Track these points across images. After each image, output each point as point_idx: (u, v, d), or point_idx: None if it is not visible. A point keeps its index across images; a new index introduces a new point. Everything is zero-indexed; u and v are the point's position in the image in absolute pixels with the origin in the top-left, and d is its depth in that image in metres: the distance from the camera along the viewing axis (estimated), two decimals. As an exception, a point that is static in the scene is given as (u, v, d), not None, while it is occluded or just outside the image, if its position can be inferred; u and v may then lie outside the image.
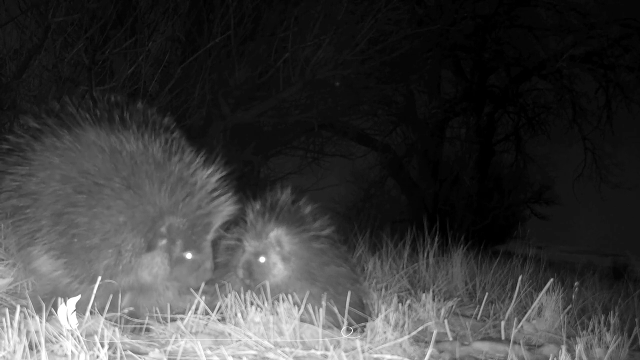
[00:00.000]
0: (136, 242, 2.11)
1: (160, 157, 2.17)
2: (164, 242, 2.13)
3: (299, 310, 2.23)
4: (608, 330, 2.73)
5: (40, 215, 2.14)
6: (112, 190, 2.10)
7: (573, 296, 3.48)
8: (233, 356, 1.96)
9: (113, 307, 2.23)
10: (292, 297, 2.30)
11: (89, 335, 1.82)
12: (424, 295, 3.00)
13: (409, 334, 2.30)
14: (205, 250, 2.19)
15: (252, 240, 2.40)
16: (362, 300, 2.61)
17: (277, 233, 2.40)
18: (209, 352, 1.95)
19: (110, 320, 2.15)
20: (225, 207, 2.22)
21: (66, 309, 1.97)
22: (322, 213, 2.53)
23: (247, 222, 2.43)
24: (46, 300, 2.05)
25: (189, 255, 2.17)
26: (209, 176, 2.20)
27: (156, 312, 2.29)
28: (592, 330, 2.76)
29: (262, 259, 2.39)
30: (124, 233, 2.10)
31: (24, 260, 2.33)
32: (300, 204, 2.49)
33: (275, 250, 2.40)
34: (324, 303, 2.30)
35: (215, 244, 2.37)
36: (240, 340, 2.08)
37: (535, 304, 3.02)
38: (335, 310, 2.34)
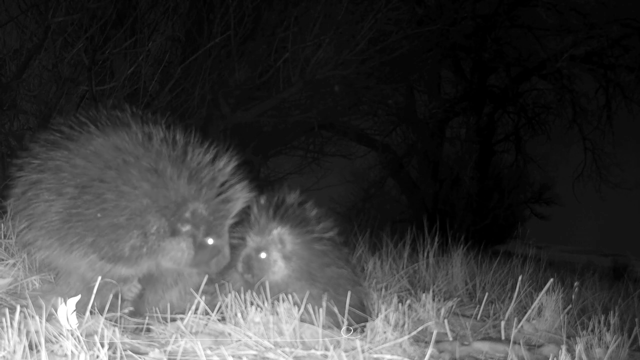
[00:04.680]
0: (160, 226, 2.13)
1: (182, 147, 2.21)
2: (188, 227, 2.16)
3: (299, 310, 2.23)
4: (608, 330, 2.73)
5: (63, 185, 2.15)
6: (139, 171, 2.12)
7: (573, 296, 3.48)
8: (233, 356, 1.96)
9: (113, 307, 2.23)
10: (292, 297, 2.30)
11: (89, 335, 1.82)
12: (424, 295, 3.00)
13: (409, 334, 2.30)
14: (224, 236, 2.24)
15: (254, 235, 2.41)
16: (362, 302, 2.61)
17: (280, 231, 2.40)
18: (209, 352, 1.95)
19: (110, 320, 2.16)
20: (243, 194, 2.26)
21: (66, 309, 1.97)
22: (326, 216, 2.53)
23: (251, 217, 2.43)
24: (46, 300, 2.06)
25: (210, 241, 2.20)
26: (224, 165, 2.25)
27: (156, 312, 2.29)
28: (592, 330, 2.76)
29: (262, 255, 2.40)
30: (148, 215, 2.12)
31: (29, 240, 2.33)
32: (306, 206, 2.49)
33: (277, 247, 2.40)
34: (324, 303, 2.30)
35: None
36: (240, 340, 2.08)
37: (535, 304, 3.02)
38: (336, 310, 2.34)
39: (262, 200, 2.45)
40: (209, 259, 2.22)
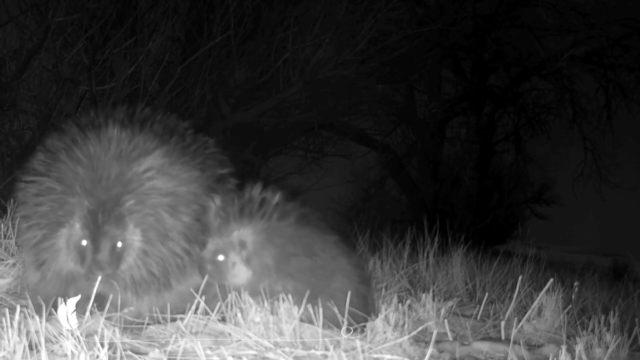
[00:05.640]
0: (53, 222, 2.10)
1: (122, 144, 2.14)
2: (70, 222, 2.08)
3: (299, 310, 2.23)
4: (608, 330, 2.73)
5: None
6: (68, 165, 2.12)
7: (573, 296, 3.48)
8: (233, 356, 1.96)
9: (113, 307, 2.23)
10: (262, 293, 2.28)
11: (89, 335, 1.82)
12: (424, 295, 3.00)
13: (409, 334, 2.30)
14: (100, 240, 2.07)
15: (212, 238, 2.33)
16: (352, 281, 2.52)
17: (240, 232, 2.34)
18: (209, 352, 1.95)
19: (110, 320, 2.16)
20: (133, 201, 2.09)
21: (66, 309, 1.97)
22: (285, 199, 2.43)
23: (208, 220, 2.34)
24: (46, 300, 2.05)
25: (84, 243, 2.08)
26: (133, 163, 2.12)
27: (156, 312, 2.29)
28: (592, 330, 2.75)
29: (220, 257, 2.33)
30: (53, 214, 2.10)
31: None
32: (267, 196, 2.41)
33: (236, 250, 2.34)
34: (320, 302, 2.29)
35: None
36: (240, 340, 2.08)
37: (535, 304, 3.02)
38: (335, 310, 2.34)
39: (218, 202, 2.34)
40: (81, 261, 2.10)
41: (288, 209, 2.42)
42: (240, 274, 2.36)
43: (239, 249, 2.34)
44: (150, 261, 2.17)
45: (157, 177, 2.14)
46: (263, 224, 2.36)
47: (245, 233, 2.34)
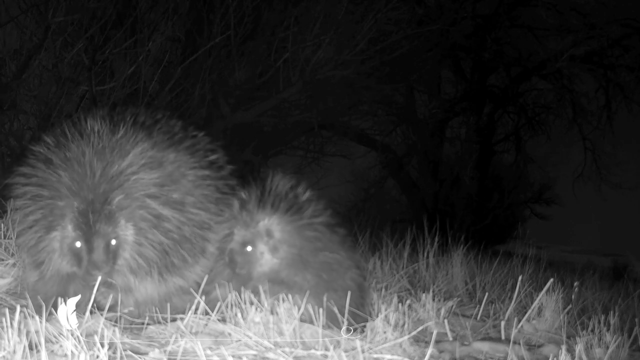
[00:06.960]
0: (46, 227, 2.10)
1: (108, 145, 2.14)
2: (61, 225, 2.08)
3: (299, 310, 2.23)
4: (608, 330, 2.73)
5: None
6: (55, 166, 2.12)
7: (573, 296, 3.48)
8: (233, 356, 1.96)
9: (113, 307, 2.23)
10: (283, 282, 2.31)
11: (89, 335, 1.82)
12: (424, 295, 3.00)
13: (409, 334, 2.30)
14: (93, 240, 2.06)
15: (239, 229, 2.38)
16: (360, 286, 2.57)
17: (267, 222, 2.37)
18: (209, 352, 1.95)
19: (110, 320, 2.16)
20: (121, 196, 2.08)
21: (66, 309, 1.97)
22: (317, 198, 2.48)
23: (235, 211, 2.39)
24: (46, 300, 2.05)
25: (78, 244, 2.08)
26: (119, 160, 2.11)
27: (156, 312, 2.29)
28: (592, 330, 2.75)
29: (248, 248, 2.36)
30: (47, 211, 2.10)
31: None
32: (297, 191, 2.46)
33: (264, 240, 2.37)
34: (324, 303, 2.29)
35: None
36: (240, 340, 2.08)
37: (535, 304, 3.02)
38: (335, 310, 2.34)
39: (244, 195, 2.40)
40: (77, 263, 2.11)
41: (320, 206, 2.47)
42: (267, 263, 2.39)
43: (266, 239, 2.37)
44: (146, 250, 2.17)
45: (142, 170, 2.14)
46: (292, 216, 2.40)
47: (271, 223, 2.38)
